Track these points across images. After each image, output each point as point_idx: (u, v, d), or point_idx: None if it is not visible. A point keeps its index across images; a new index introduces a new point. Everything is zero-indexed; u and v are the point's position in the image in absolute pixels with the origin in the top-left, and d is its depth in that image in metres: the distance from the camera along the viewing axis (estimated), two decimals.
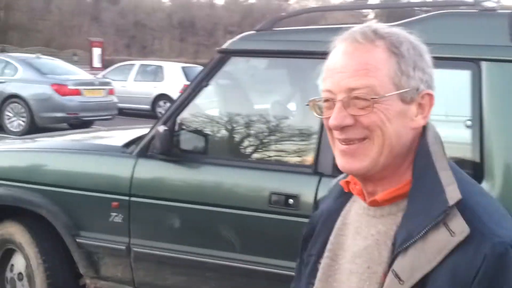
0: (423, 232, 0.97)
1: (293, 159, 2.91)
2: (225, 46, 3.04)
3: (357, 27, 1.06)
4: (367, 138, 1.03)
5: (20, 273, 3.31)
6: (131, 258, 3.01)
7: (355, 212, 1.13)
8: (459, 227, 0.96)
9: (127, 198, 2.99)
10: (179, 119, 2.98)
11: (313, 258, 1.16)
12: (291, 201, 2.67)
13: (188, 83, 15.58)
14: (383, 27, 1.06)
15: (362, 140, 1.03)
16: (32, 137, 4.19)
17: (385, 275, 1.01)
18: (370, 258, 1.05)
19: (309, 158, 2.79)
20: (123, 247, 3.01)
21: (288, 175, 2.77)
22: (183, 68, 16.62)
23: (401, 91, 1.02)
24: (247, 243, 2.80)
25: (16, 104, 11.39)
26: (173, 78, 16.08)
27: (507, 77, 2.40)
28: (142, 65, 17.19)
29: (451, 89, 2.52)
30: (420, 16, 2.75)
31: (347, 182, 1.14)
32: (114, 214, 3.01)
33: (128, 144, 3.15)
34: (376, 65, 1.02)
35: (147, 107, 16.12)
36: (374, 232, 1.07)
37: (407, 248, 0.98)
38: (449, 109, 2.64)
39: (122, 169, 3.03)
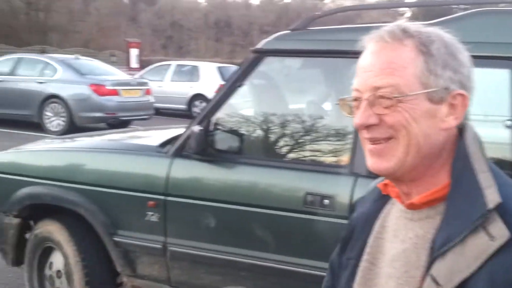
0: (462, 236, 0.95)
1: (329, 159, 2.89)
2: (259, 46, 3.03)
3: (387, 26, 1.06)
4: (393, 138, 1.02)
5: (58, 271, 3.37)
6: (167, 257, 3.04)
7: (394, 215, 1.12)
8: (499, 231, 0.94)
9: (163, 197, 3.02)
10: (214, 119, 2.99)
11: (352, 261, 1.16)
12: (326, 201, 2.65)
13: (223, 83, 15.75)
14: (415, 26, 1.05)
15: (388, 140, 1.03)
16: (70, 137, 4.27)
17: (423, 279, 0.99)
18: (408, 262, 1.04)
19: (344, 158, 2.76)
20: (159, 246, 3.04)
21: (323, 176, 2.75)
22: (219, 68, 16.70)
23: (428, 90, 1.01)
24: (281, 243, 2.80)
25: (56, 104, 11.62)
26: (209, 78, 16.17)
27: None
28: (178, 65, 17.35)
29: (490, 88, 2.47)
30: (457, 14, 2.70)
31: (385, 185, 1.13)
32: (150, 213, 3.04)
33: (164, 144, 3.18)
34: (402, 64, 1.01)
35: (183, 106, 16.25)
36: (412, 235, 1.05)
37: (446, 252, 0.96)
38: (488, 109, 2.59)
39: (158, 168, 3.06)
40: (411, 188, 1.06)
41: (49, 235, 3.35)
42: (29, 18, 36.39)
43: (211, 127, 2.97)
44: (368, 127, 1.03)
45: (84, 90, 11.50)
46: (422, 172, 1.04)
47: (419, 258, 1.02)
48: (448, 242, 0.97)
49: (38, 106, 11.70)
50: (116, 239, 3.14)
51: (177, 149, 3.04)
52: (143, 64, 23.19)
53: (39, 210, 3.46)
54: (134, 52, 23.32)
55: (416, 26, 1.06)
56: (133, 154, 3.22)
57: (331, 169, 2.78)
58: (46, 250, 3.42)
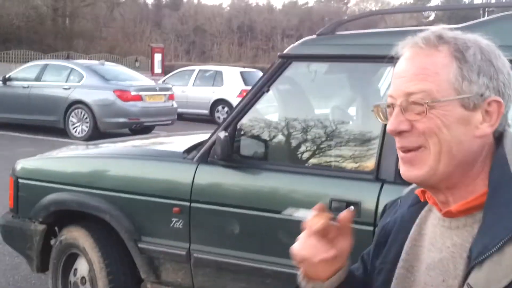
0: (499, 245, 0.93)
1: (354, 165, 2.85)
2: (286, 51, 3.01)
3: (422, 32, 1.05)
4: (422, 147, 1.01)
5: (83, 277, 3.37)
6: (191, 264, 3.02)
7: (431, 222, 1.10)
8: None
9: (188, 204, 3.00)
10: (239, 125, 2.97)
11: (387, 266, 1.14)
12: (352, 208, 2.60)
13: (246, 87, 15.78)
14: (451, 32, 1.04)
15: (418, 149, 1.02)
16: (95, 143, 4.28)
17: None
18: (445, 271, 1.03)
19: (370, 164, 2.72)
20: (184, 253, 3.02)
21: (349, 182, 2.71)
22: (242, 73, 16.70)
23: (461, 96, 1.00)
24: None
25: (80, 109, 11.72)
26: (232, 83, 16.18)
27: None
28: (201, 70, 17.39)
29: None
30: (485, 19, 2.65)
31: (423, 192, 1.12)
32: (175, 219, 3.03)
33: (189, 150, 3.17)
34: (435, 70, 1.01)
35: (206, 112, 16.29)
36: (449, 244, 1.04)
37: (483, 261, 0.94)
38: None
39: (183, 175, 3.05)
40: (447, 196, 1.05)
41: (74, 242, 3.35)
42: (55, 24, 36.93)
43: (237, 133, 2.95)
44: (400, 133, 1.03)
45: (108, 95, 11.59)
46: (457, 180, 1.03)
47: (456, 267, 1.01)
48: (485, 251, 0.95)
49: (63, 112, 11.82)
50: (140, 245, 3.13)
51: (202, 155, 3.02)
52: (166, 69, 23.34)
53: (64, 216, 3.47)
54: (157, 57, 23.46)
55: (453, 32, 1.05)
56: (159, 160, 3.22)
57: (357, 175, 2.74)
58: (70, 256, 3.43)
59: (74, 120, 11.81)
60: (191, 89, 16.52)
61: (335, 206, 2.64)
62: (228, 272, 2.97)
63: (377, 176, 2.60)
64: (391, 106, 1.05)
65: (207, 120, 16.13)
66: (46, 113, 12.02)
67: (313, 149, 2.96)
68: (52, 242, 3.51)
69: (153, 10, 54.72)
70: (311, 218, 1.10)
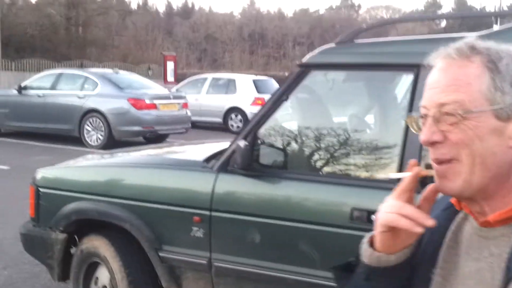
0: None
1: (376, 174, 2.84)
2: (305, 60, 3.02)
3: (455, 43, 1.06)
4: (455, 159, 1.01)
5: (104, 286, 3.39)
6: (212, 273, 3.02)
7: (467, 231, 1.10)
8: None
9: (208, 213, 3.01)
10: (259, 133, 2.98)
11: (423, 267, 1.13)
12: (373, 217, 2.60)
13: (260, 95, 15.82)
14: (484, 43, 1.05)
15: (450, 161, 1.02)
16: (114, 152, 4.29)
17: None
18: (483, 281, 1.02)
19: (392, 173, 2.72)
20: (205, 262, 3.02)
21: (369, 191, 2.71)
22: (255, 80, 16.74)
23: (494, 107, 1.00)
24: (327, 259, 2.75)
25: (95, 118, 11.79)
26: (245, 91, 16.22)
27: None
28: (214, 78, 17.44)
29: None
30: (500, 28, 2.64)
31: (458, 201, 1.12)
32: (196, 228, 3.04)
33: (208, 159, 3.18)
34: (467, 81, 1.01)
35: (219, 120, 16.32)
36: (487, 254, 1.03)
37: None
38: None
39: (203, 184, 3.06)
40: (483, 206, 1.05)
41: (95, 250, 3.37)
42: (69, 33, 37.23)
43: (256, 142, 2.95)
44: (433, 144, 1.03)
45: (123, 104, 11.65)
46: (493, 191, 1.03)
47: (494, 278, 1.00)
48: None
49: (78, 120, 11.89)
50: (161, 254, 3.14)
51: (222, 164, 3.03)
52: (178, 77, 23.42)
53: (84, 225, 3.49)
54: (170, 66, 23.56)
55: (486, 43, 1.05)
56: (178, 169, 3.23)
57: (378, 184, 2.73)
58: (91, 265, 3.44)
59: (89, 128, 11.88)
60: (205, 97, 16.57)
61: (356, 215, 2.64)
62: (249, 281, 2.97)
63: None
64: (424, 116, 1.05)
65: (221, 128, 16.17)
66: (61, 122, 12.10)
67: (333, 158, 2.96)
68: (72, 251, 3.53)
69: (164, 19, 55.02)
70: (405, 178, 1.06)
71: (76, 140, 12.00)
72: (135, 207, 3.22)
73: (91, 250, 3.39)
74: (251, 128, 2.99)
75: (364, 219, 2.62)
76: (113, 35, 40.30)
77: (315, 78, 3.11)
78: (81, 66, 25.27)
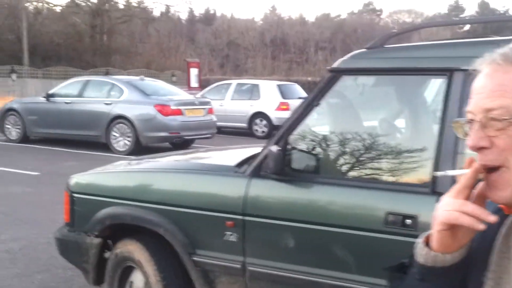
0: None
1: (408, 178, 2.84)
2: (335, 65, 3.03)
3: (501, 49, 1.06)
4: (504, 167, 1.01)
5: None
6: (246, 277, 3.05)
7: None
8: None
9: (241, 217, 3.04)
10: (290, 138, 3.00)
11: (475, 270, 1.13)
12: (408, 221, 2.61)
13: (284, 100, 15.83)
14: None
15: (498, 169, 1.02)
16: (146, 158, 4.34)
17: None
18: None
19: (425, 177, 2.71)
20: (238, 266, 3.05)
21: (404, 195, 2.71)
22: (279, 85, 16.78)
23: None
24: (362, 263, 2.76)
25: (122, 124, 11.92)
26: (269, 96, 16.26)
27: None
28: (238, 84, 17.52)
29: None
30: None
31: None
32: (229, 233, 3.06)
33: (240, 164, 3.21)
34: None
35: (244, 125, 16.38)
36: None
37: None
38: None
39: (236, 188, 3.08)
40: None
41: (129, 255, 3.42)
42: (93, 41, 37.68)
43: (288, 147, 2.97)
44: (480, 149, 1.03)
45: (149, 110, 11.76)
46: None
47: None
48: None
49: (105, 126, 12.03)
50: (195, 258, 3.17)
51: (255, 169, 3.06)
52: (201, 83, 23.56)
53: (118, 229, 3.54)
54: (193, 72, 23.70)
55: None
56: (211, 174, 3.26)
57: (412, 188, 2.73)
58: (126, 269, 3.49)
59: (116, 134, 12.00)
60: (229, 103, 16.65)
61: (391, 220, 2.64)
62: (283, 285, 2.98)
63: (433, 189, 2.59)
64: (470, 122, 1.06)
65: (246, 133, 16.22)
66: (88, 128, 12.26)
67: (365, 162, 2.96)
68: (107, 255, 3.59)
69: (186, 25, 55.37)
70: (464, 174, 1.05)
71: (103, 146, 12.14)
72: (168, 211, 3.26)
73: (126, 255, 3.44)
74: (283, 133, 3.01)
75: (399, 223, 2.62)
76: (136, 42, 40.69)
77: (345, 83, 3.12)
78: (106, 73, 25.55)
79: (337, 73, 2.99)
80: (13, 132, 13.41)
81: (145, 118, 11.75)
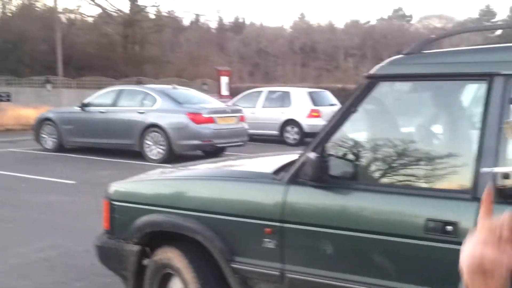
0: None
1: (448, 184, 2.82)
2: (372, 71, 3.03)
3: None
4: None
5: None
6: (285, 284, 3.05)
7: None
8: None
9: (279, 224, 3.04)
10: (328, 145, 3.00)
11: None
12: (449, 228, 2.58)
13: (316, 107, 15.81)
14: None
15: None
16: (183, 166, 4.39)
17: None
18: None
19: (466, 183, 2.69)
20: (277, 273, 3.05)
21: (444, 201, 2.68)
22: (310, 93, 16.76)
23: None
24: (402, 270, 2.74)
25: (156, 133, 12.05)
26: (300, 103, 16.26)
27: None
28: (269, 91, 17.56)
29: None
30: None
31: None
32: (267, 240, 3.07)
33: (277, 171, 3.22)
34: None
35: (276, 132, 16.40)
36: None
37: None
38: None
39: (274, 195, 3.09)
40: None
41: (168, 262, 3.45)
42: (126, 51, 38.21)
43: (326, 154, 2.98)
44: None
45: (182, 119, 11.88)
46: None
47: None
48: None
49: (139, 135, 12.18)
50: (233, 265, 3.19)
51: (292, 176, 3.07)
52: (232, 91, 23.67)
53: (156, 237, 3.58)
54: (224, 80, 23.86)
55: None
56: (249, 182, 3.28)
57: (452, 194, 2.71)
58: (165, 276, 3.52)
59: (150, 143, 12.14)
60: (260, 111, 16.70)
61: (431, 226, 2.62)
62: None
63: (474, 195, 2.57)
64: None
65: (277, 140, 16.24)
66: (122, 137, 12.42)
67: (404, 168, 2.95)
68: (146, 262, 3.63)
69: (216, 34, 55.75)
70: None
71: (137, 154, 12.29)
72: (206, 219, 3.28)
73: (165, 262, 3.47)
74: (320, 140, 3.02)
75: (440, 230, 2.60)
76: (167, 51, 41.13)
77: (383, 89, 3.11)
78: (138, 82, 25.88)
79: (374, 80, 2.98)
80: (49, 141, 13.68)
81: (178, 127, 11.86)
